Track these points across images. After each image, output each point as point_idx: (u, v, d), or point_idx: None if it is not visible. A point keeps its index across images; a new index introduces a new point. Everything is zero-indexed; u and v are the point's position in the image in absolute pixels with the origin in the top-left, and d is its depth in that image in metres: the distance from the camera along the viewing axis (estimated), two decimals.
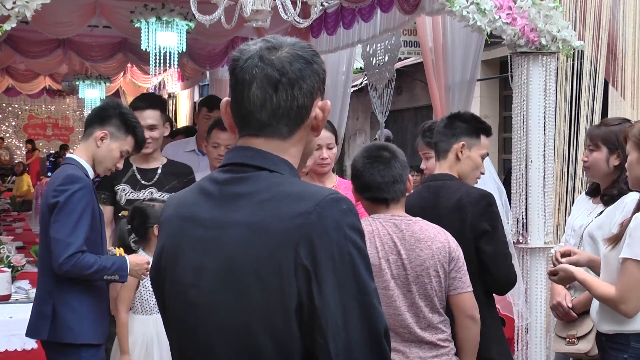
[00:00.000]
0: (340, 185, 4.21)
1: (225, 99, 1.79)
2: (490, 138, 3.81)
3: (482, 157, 3.75)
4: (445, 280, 3.18)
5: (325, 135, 4.17)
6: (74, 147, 19.20)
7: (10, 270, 4.90)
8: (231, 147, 1.80)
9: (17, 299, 4.70)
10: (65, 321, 3.54)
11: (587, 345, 3.57)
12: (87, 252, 3.46)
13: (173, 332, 1.78)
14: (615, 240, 3.18)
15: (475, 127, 3.71)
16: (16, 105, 20.71)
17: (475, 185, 3.74)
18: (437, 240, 3.18)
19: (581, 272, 3.40)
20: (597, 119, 4.94)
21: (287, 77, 1.68)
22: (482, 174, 3.84)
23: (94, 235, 3.58)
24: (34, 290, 4.77)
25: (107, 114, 3.70)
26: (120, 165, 3.80)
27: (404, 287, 3.15)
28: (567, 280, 3.46)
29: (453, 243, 3.23)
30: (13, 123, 21.34)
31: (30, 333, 3.68)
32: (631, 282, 3.06)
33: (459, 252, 3.22)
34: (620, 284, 3.10)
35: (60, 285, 3.53)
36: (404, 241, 3.16)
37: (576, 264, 3.41)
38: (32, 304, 4.55)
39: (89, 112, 3.80)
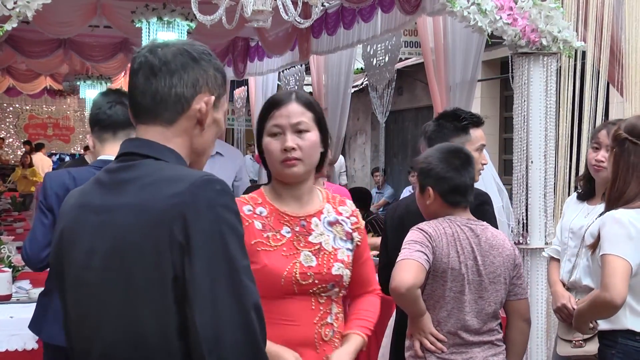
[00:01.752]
0: (329, 189, 3.95)
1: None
2: (491, 138, 3.80)
3: (479, 149, 3.74)
4: (507, 286, 3.23)
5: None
6: (79, 146, 19.27)
7: (11, 270, 4.89)
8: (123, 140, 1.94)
9: (17, 299, 4.69)
10: None
11: (595, 347, 3.56)
12: None
13: (70, 314, 1.88)
14: (595, 246, 3.23)
15: (460, 125, 3.70)
16: (17, 105, 20.72)
17: (475, 185, 3.74)
18: (506, 248, 3.22)
19: (577, 310, 3.50)
20: (599, 120, 4.93)
21: (168, 67, 1.83)
22: (484, 164, 3.83)
23: None
24: (35, 290, 4.78)
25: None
26: None
27: (476, 294, 3.15)
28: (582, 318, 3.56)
29: (516, 250, 3.29)
30: (14, 123, 21.32)
31: (39, 331, 3.66)
32: (610, 270, 3.08)
33: (520, 258, 3.30)
34: (601, 278, 3.14)
35: None
36: (479, 247, 3.17)
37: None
38: (33, 303, 4.57)
39: (115, 107, 3.69)
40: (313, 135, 2.59)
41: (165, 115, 1.84)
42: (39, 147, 18.36)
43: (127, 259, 1.72)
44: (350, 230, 2.72)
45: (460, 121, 3.72)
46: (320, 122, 2.64)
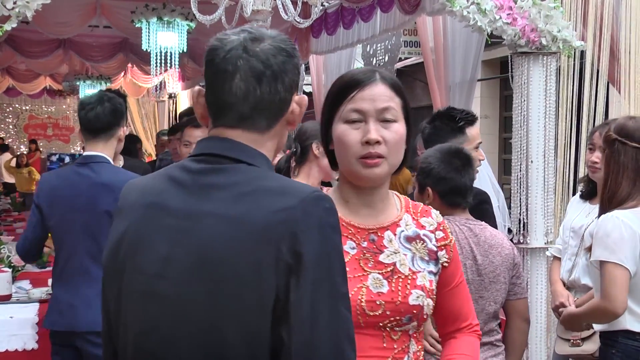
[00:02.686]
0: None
1: (198, 87, 1.75)
2: (490, 138, 3.81)
3: (476, 147, 3.74)
4: (507, 285, 3.22)
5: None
6: (78, 146, 19.28)
7: (10, 270, 4.89)
8: (204, 137, 1.73)
9: (17, 299, 4.69)
10: None
11: (593, 346, 3.58)
12: None
13: (130, 327, 1.67)
14: (591, 249, 3.25)
15: (456, 125, 3.71)
16: (17, 105, 20.71)
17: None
18: (505, 247, 3.22)
19: (569, 309, 3.58)
20: (599, 120, 4.94)
21: (271, 70, 1.64)
22: (482, 159, 3.83)
23: None
24: (35, 290, 4.78)
25: (121, 114, 3.82)
26: None
27: (476, 294, 3.13)
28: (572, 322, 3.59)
29: (515, 249, 3.28)
30: (14, 123, 21.33)
31: (88, 324, 3.68)
32: (609, 280, 3.12)
33: (519, 258, 3.28)
34: (602, 287, 3.18)
35: None
36: (479, 246, 3.16)
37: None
38: (33, 303, 4.58)
39: (93, 115, 3.78)
40: (401, 127, 2.07)
41: (264, 122, 1.67)
42: (3, 149, 18.38)
43: (218, 275, 1.54)
44: (435, 249, 2.15)
45: (457, 122, 3.72)
46: (408, 112, 2.14)
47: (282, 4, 4.72)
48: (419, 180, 3.28)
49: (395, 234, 2.10)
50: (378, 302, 1.98)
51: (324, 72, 9.06)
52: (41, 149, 20.33)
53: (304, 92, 11.02)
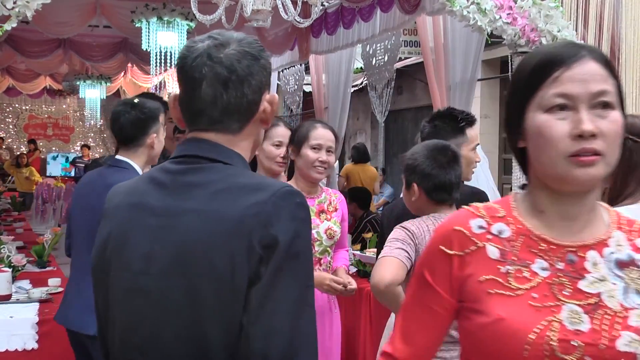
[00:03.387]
0: (329, 193, 3.97)
1: (174, 93, 1.80)
2: (490, 137, 3.80)
3: (474, 149, 3.75)
4: None
5: (326, 135, 3.79)
6: (78, 145, 19.27)
7: (10, 270, 4.89)
8: (182, 140, 1.79)
9: (17, 299, 4.68)
10: None
11: None
12: None
13: (116, 320, 1.73)
14: None
15: (456, 126, 3.70)
16: (16, 105, 20.71)
17: (469, 184, 3.75)
18: None
19: None
20: None
21: (237, 75, 1.69)
22: (478, 161, 3.83)
23: None
24: (35, 290, 4.77)
25: (143, 124, 3.79)
26: None
27: None
28: None
29: None
30: (14, 123, 21.33)
31: (77, 326, 3.69)
32: None
33: None
34: None
35: None
36: None
37: None
38: (33, 303, 4.57)
39: (118, 125, 3.81)
40: (619, 117, 1.63)
41: (235, 124, 1.73)
42: None
43: (195, 267, 1.59)
44: None
45: (458, 122, 3.71)
46: (622, 97, 1.66)
47: (282, 4, 4.71)
48: (405, 177, 3.29)
49: (602, 256, 1.63)
50: (575, 344, 1.52)
51: (324, 72, 9.06)
52: (41, 149, 20.36)
53: (304, 92, 11.01)
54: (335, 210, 3.92)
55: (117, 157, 3.83)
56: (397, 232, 3.14)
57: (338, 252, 4.06)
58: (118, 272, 1.72)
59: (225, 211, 1.60)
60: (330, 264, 3.87)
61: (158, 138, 3.83)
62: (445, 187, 3.22)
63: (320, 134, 3.76)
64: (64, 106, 20.71)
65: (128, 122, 3.77)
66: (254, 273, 1.55)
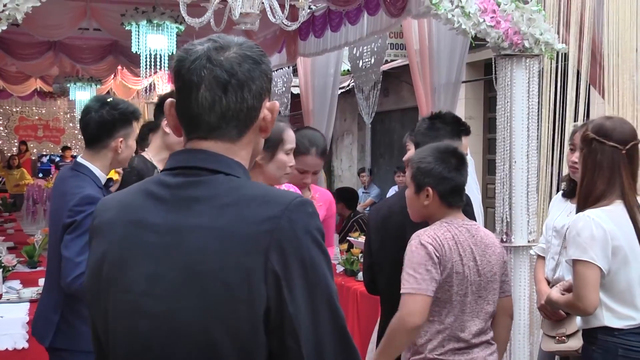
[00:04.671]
0: (315, 194, 3.95)
1: (169, 100, 1.70)
2: (475, 139, 3.82)
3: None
4: (500, 284, 3.24)
5: (314, 162, 3.81)
6: (74, 149, 19.21)
7: (1, 270, 4.87)
8: (179, 150, 1.69)
9: (8, 299, 4.68)
10: (80, 330, 3.49)
11: (577, 343, 3.59)
12: None
13: (119, 348, 1.63)
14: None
15: (457, 129, 3.71)
16: (7, 107, 20.62)
17: None
18: (497, 246, 3.24)
19: (549, 295, 3.58)
20: (581, 121, 4.96)
21: (237, 79, 1.59)
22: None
23: None
24: (25, 290, 4.77)
25: (110, 126, 3.57)
26: None
27: (476, 294, 3.14)
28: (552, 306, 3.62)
29: (503, 248, 3.31)
30: (4, 124, 21.24)
31: (37, 335, 3.66)
32: (581, 281, 3.15)
33: (507, 256, 3.32)
34: (574, 287, 3.22)
35: (70, 296, 3.49)
36: (477, 247, 3.15)
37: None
38: (23, 303, 4.56)
39: (84, 122, 3.64)
40: None
41: (234, 131, 1.63)
42: None
43: (208, 289, 1.51)
44: None
45: (460, 126, 3.72)
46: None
47: (270, 7, 4.71)
48: (417, 181, 3.20)
49: None
50: None
51: (312, 74, 9.06)
52: (32, 150, 20.29)
53: (292, 94, 11.02)
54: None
55: (79, 159, 3.66)
56: (418, 255, 3.05)
57: None
58: (118, 294, 1.61)
59: (235, 228, 1.52)
60: None
61: (126, 143, 3.61)
62: (460, 190, 3.20)
63: (309, 163, 3.73)
64: (55, 108, 20.62)
65: (94, 120, 3.56)
66: (274, 294, 1.49)
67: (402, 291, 3.02)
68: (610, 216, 3.18)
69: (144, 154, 4.02)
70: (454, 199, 3.20)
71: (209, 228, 1.53)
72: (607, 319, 3.20)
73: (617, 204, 3.21)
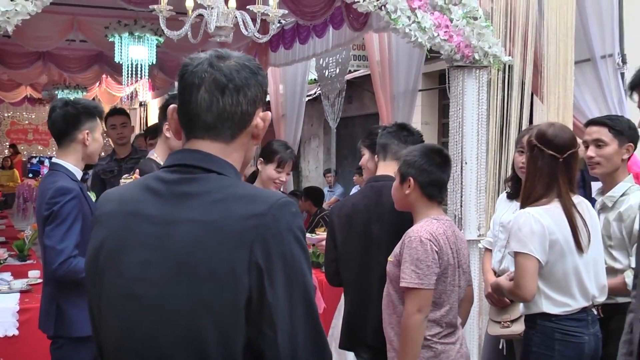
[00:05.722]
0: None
1: (172, 105, 1.72)
2: (429, 142, 3.85)
3: None
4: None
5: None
6: (54, 151, 19.00)
7: None
8: (177, 149, 1.71)
9: (0, 290, 4.61)
10: (71, 317, 3.46)
11: (520, 327, 3.62)
12: (78, 256, 3.33)
13: (111, 327, 1.65)
14: None
15: (419, 139, 3.74)
16: None
17: None
18: (465, 240, 3.32)
19: (494, 281, 3.63)
20: (525, 126, 5.00)
21: (234, 83, 1.62)
22: None
23: (86, 240, 3.48)
24: (16, 281, 4.71)
25: (75, 118, 3.54)
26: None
27: (455, 284, 3.20)
28: (498, 290, 3.63)
29: None
30: None
31: (42, 327, 3.62)
32: (520, 271, 3.19)
33: None
34: (514, 276, 3.25)
35: (63, 286, 3.45)
36: (457, 241, 3.21)
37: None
38: (14, 294, 4.50)
39: (51, 120, 3.59)
40: None
41: (228, 132, 1.64)
42: None
43: (196, 277, 1.52)
44: None
45: (420, 137, 3.75)
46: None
47: (243, 21, 4.70)
48: (402, 172, 3.25)
49: None
50: None
51: (282, 82, 9.05)
52: (22, 152, 20.06)
53: None
54: None
55: (53, 159, 3.65)
56: (419, 251, 3.07)
57: None
58: (112, 278, 1.63)
59: (224, 222, 1.53)
60: None
61: (93, 136, 3.57)
62: (439, 184, 3.24)
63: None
64: (44, 113, 20.27)
65: (60, 115, 3.54)
66: (256, 284, 1.50)
67: (404, 284, 3.05)
68: (549, 213, 3.22)
69: (151, 156, 3.99)
70: (432, 191, 3.23)
71: (199, 221, 1.54)
72: (546, 306, 3.24)
73: (555, 202, 3.24)
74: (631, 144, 3.60)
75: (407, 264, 3.04)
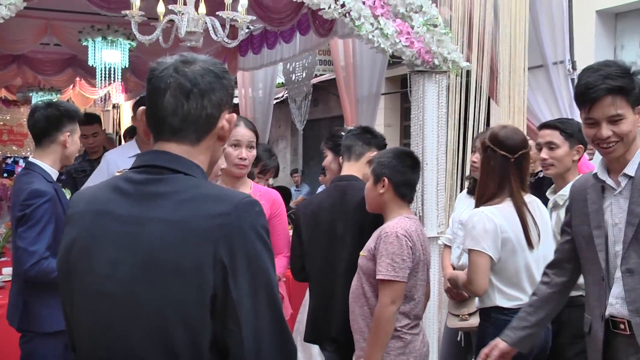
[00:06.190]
0: (256, 192, 3.56)
1: (141, 107, 1.71)
2: (392, 144, 3.88)
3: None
4: None
5: (245, 133, 3.44)
6: (28, 151, 18.73)
7: None
8: (145, 151, 1.69)
9: None
10: (37, 313, 3.41)
11: (477, 320, 3.65)
12: (50, 258, 3.28)
13: (82, 324, 1.64)
14: None
15: (382, 141, 3.77)
16: None
17: None
18: (427, 238, 3.34)
19: (452, 272, 3.74)
20: (482, 128, 5.05)
21: (198, 88, 1.62)
22: None
23: (59, 241, 3.42)
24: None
25: (57, 120, 3.52)
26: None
27: (424, 280, 3.26)
28: (454, 282, 3.67)
29: None
30: None
31: (8, 319, 3.57)
32: (473, 267, 3.23)
33: None
34: (467, 271, 3.29)
35: (31, 285, 3.39)
36: (423, 236, 3.25)
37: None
38: None
39: (33, 120, 3.56)
40: None
41: (193, 135, 1.64)
42: None
43: (163, 274, 1.51)
44: None
45: (384, 140, 3.78)
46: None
47: (213, 26, 4.67)
48: (376, 172, 3.29)
49: None
50: None
51: (251, 86, 9.01)
52: None
53: (232, 104, 10.94)
54: None
55: (30, 159, 3.63)
56: (395, 246, 3.10)
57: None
58: (83, 276, 1.61)
59: (190, 221, 1.52)
60: None
61: (72, 138, 3.55)
62: (411, 184, 3.29)
63: (240, 132, 3.40)
64: (18, 115, 20.01)
65: (42, 116, 3.51)
66: (221, 281, 1.49)
67: (380, 277, 3.07)
68: (501, 212, 3.25)
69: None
70: (405, 191, 3.28)
71: (167, 220, 1.54)
72: (499, 300, 3.27)
73: (507, 201, 3.28)
74: (581, 145, 3.65)
75: (383, 258, 3.07)
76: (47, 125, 3.51)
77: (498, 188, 3.29)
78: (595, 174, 2.67)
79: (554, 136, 3.67)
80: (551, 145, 3.66)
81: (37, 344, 3.42)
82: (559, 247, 2.92)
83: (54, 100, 3.67)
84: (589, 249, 2.65)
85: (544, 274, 2.95)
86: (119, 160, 4.92)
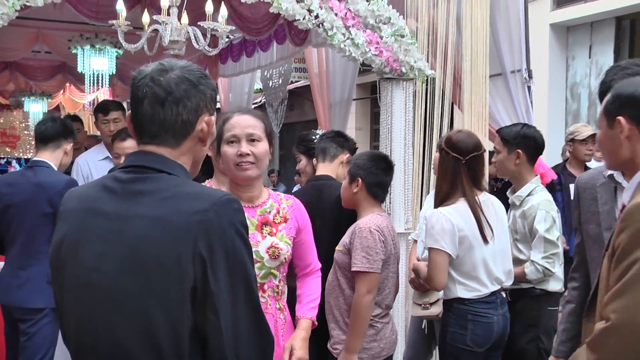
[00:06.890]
0: (294, 204, 2.81)
1: (129, 112, 1.72)
2: (362, 146, 3.90)
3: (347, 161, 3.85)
4: None
5: (241, 122, 2.51)
6: (20, 152, 18.48)
7: None
8: (132, 152, 1.70)
9: None
10: (37, 288, 3.44)
11: (438, 309, 3.67)
12: None
13: (71, 314, 1.64)
14: None
15: (353, 144, 3.80)
16: None
17: None
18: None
19: (415, 263, 3.74)
20: (445, 131, 5.06)
21: (173, 96, 1.61)
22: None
23: None
24: None
25: (70, 130, 3.77)
26: None
27: (395, 272, 3.27)
28: (417, 272, 3.69)
29: None
30: None
31: (19, 302, 3.57)
32: (432, 264, 3.24)
33: None
34: (428, 268, 3.30)
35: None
36: (394, 233, 3.27)
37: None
38: None
39: (45, 126, 3.72)
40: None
41: (171, 140, 1.63)
42: None
43: (146, 267, 1.51)
44: None
45: (355, 144, 3.82)
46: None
47: (194, 36, 4.63)
48: (352, 172, 3.30)
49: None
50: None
51: (230, 91, 8.97)
52: None
53: None
54: (285, 220, 2.70)
55: (36, 158, 3.69)
56: (370, 239, 3.09)
57: (306, 282, 2.89)
58: (72, 269, 1.62)
59: (172, 217, 1.52)
60: (278, 288, 2.70)
61: (71, 151, 3.77)
62: (383, 185, 3.30)
63: (235, 122, 2.54)
64: (11, 118, 19.78)
65: (57, 124, 3.73)
66: (200, 274, 1.49)
67: (355, 269, 3.07)
68: (458, 212, 3.26)
69: None
70: (377, 191, 3.29)
71: (150, 217, 1.54)
72: (460, 292, 3.28)
73: (462, 201, 3.29)
74: (519, 150, 3.63)
75: (358, 251, 3.07)
76: (58, 133, 3.71)
77: (451, 188, 3.30)
78: (611, 174, 2.47)
79: (496, 142, 3.74)
80: (497, 150, 3.72)
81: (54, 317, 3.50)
82: (576, 249, 2.78)
83: (62, 116, 4.00)
84: (596, 248, 2.53)
85: (572, 278, 2.79)
86: (90, 164, 4.89)
